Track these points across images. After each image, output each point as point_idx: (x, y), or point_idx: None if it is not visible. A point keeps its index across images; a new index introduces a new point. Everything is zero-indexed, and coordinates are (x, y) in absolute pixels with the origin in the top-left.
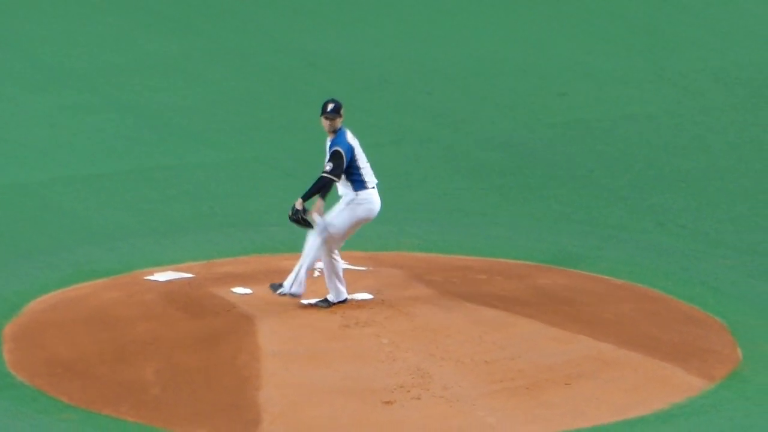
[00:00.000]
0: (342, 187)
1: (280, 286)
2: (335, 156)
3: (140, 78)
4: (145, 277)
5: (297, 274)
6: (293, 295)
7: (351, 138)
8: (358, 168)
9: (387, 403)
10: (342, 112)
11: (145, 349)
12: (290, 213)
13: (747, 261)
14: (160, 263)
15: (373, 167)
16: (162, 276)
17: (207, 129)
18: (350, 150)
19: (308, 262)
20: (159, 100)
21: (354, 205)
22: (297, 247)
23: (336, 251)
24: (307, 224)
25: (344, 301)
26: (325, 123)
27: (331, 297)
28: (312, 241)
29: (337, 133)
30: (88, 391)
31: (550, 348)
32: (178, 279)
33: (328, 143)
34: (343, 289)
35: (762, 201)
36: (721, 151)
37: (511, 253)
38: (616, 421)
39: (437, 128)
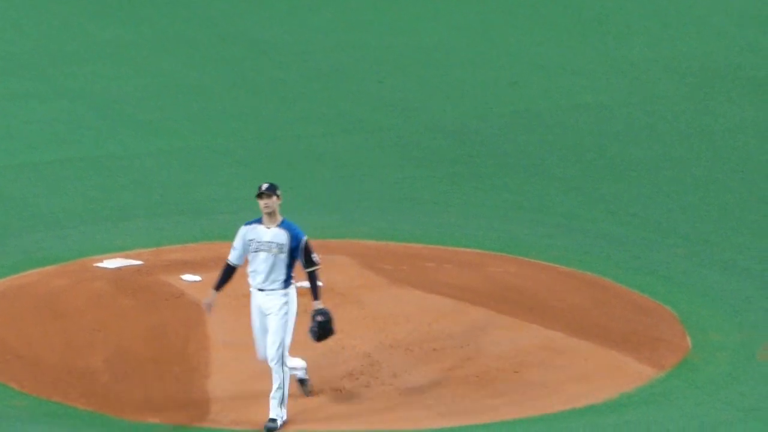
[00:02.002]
0: (270, 283)
1: (274, 421)
2: (311, 245)
3: (91, 66)
4: (95, 264)
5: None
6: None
7: None
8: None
9: (336, 390)
10: (280, 193)
11: (94, 337)
12: (326, 327)
13: (698, 250)
14: (110, 250)
15: (320, 156)
16: (111, 263)
17: (157, 117)
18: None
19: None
20: (110, 88)
21: (291, 304)
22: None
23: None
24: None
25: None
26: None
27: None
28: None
29: (284, 221)
30: (38, 379)
31: (500, 336)
32: (128, 266)
33: (276, 230)
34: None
35: (713, 191)
36: (671, 140)
37: (462, 241)
38: (566, 410)
39: (388, 117)
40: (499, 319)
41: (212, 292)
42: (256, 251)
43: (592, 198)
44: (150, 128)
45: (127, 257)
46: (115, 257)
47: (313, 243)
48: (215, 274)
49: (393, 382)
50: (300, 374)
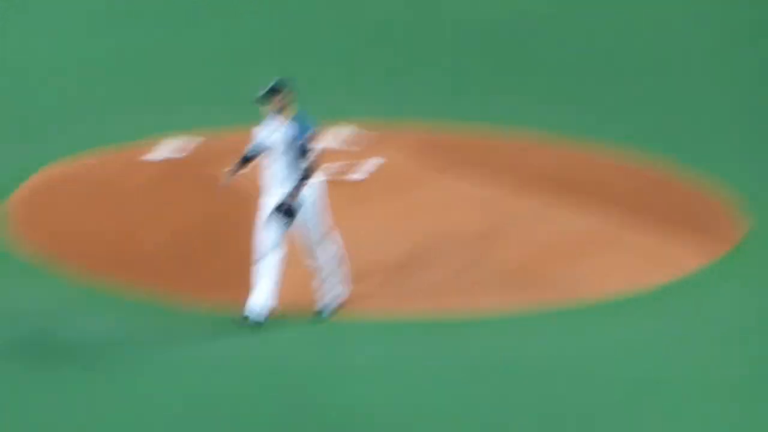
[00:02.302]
0: (288, 180)
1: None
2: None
3: None
4: (148, 151)
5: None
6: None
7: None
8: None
9: (383, 279)
10: (287, 89)
11: (149, 222)
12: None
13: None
14: (163, 136)
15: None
16: (165, 149)
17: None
18: None
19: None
20: None
21: (313, 193)
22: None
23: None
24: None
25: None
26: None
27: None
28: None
29: (296, 115)
30: (94, 264)
31: (548, 224)
32: (182, 152)
33: (286, 125)
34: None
35: None
36: None
37: (512, 130)
38: (616, 299)
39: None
40: (547, 208)
41: (228, 172)
42: (269, 148)
43: (646, 88)
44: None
45: (180, 141)
46: (169, 143)
47: (366, 130)
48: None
49: (440, 270)
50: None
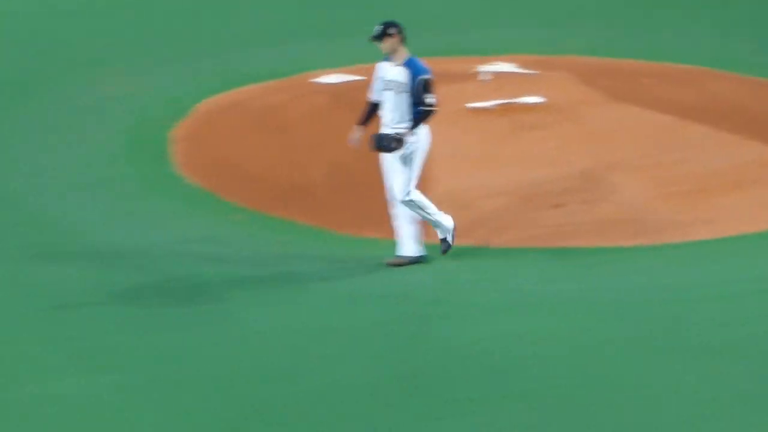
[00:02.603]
0: (397, 122)
1: (444, 241)
2: (428, 86)
3: None
4: (313, 80)
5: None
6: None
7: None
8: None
9: (556, 206)
10: (394, 32)
11: (312, 152)
12: (394, 145)
13: None
14: (328, 66)
15: None
16: (330, 78)
17: None
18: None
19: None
20: None
21: (418, 143)
22: (467, 51)
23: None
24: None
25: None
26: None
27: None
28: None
29: (409, 59)
30: (256, 193)
31: (719, 152)
32: (347, 82)
33: (399, 69)
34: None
35: None
36: None
37: (679, 58)
38: None
39: None
40: (717, 136)
41: (356, 127)
42: (384, 89)
43: None
44: None
45: (346, 72)
46: (334, 72)
47: (531, 58)
48: (436, 90)
49: (612, 197)
50: (441, 234)
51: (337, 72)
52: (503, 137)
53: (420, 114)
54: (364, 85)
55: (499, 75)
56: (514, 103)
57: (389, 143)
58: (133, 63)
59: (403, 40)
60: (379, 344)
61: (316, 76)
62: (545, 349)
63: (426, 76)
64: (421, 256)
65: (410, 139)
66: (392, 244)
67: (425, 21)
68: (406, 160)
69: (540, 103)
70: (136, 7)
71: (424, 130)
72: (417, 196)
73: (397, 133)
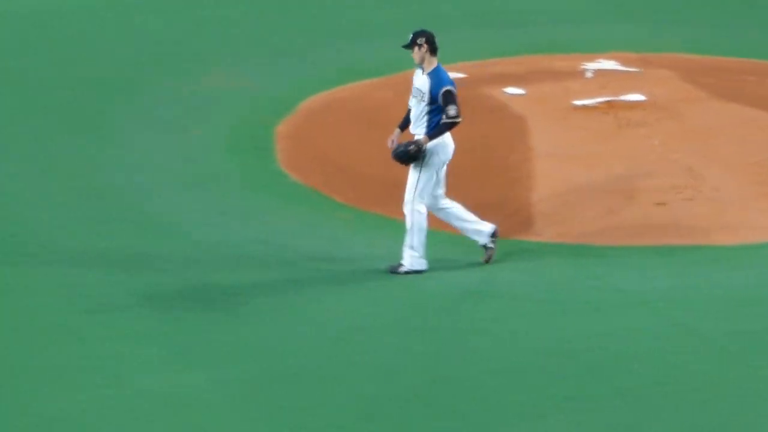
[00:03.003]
0: (416, 128)
1: (399, 265)
2: (450, 97)
3: None
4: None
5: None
6: (418, 272)
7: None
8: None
9: (659, 204)
10: (423, 41)
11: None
12: (412, 149)
13: None
14: None
15: None
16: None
17: None
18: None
19: (418, 237)
20: None
21: (431, 152)
22: (569, 48)
23: (442, 201)
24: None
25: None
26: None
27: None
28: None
29: (434, 69)
30: (359, 190)
31: None
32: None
33: (424, 78)
34: (483, 228)
35: None
36: None
37: None
38: None
39: None
40: None
41: (396, 130)
42: (412, 96)
43: None
44: None
45: (449, 69)
46: None
47: (633, 56)
48: (539, 87)
49: (715, 195)
50: (482, 240)
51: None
52: (607, 135)
53: (440, 125)
54: (467, 82)
55: (602, 72)
56: (618, 100)
57: (403, 152)
58: (238, 60)
59: (432, 50)
60: (480, 341)
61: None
62: (645, 346)
63: (448, 87)
64: (422, 270)
65: (426, 148)
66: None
67: (529, 18)
68: (417, 168)
69: (643, 100)
70: (242, 4)
71: (444, 141)
72: (422, 208)
73: (412, 142)
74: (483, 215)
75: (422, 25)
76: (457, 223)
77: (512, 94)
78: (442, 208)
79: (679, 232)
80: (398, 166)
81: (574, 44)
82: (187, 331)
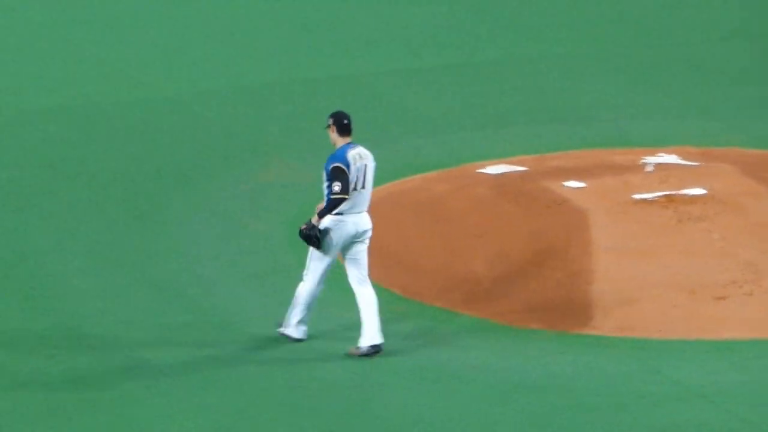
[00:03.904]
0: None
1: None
2: (336, 173)
3: None
4: (477, 170)
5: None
6: (295, 340)
7: (352, 156)
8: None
9: (719, 299)
10: (330, 122)
11: (476, 242)
12: (303, 229)
13: None
14: (490, 156)
15: (704, 64)
16: (494, 169)
17: (536, 23)
18: (348, 167)
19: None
20: None
21: (326, 232)
22: (628, 143)
23: (359, 284)
24: (319, 243)
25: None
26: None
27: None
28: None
29: (338, 148)
30: (419, 283)
31: None
32: (510, 172)
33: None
34: (371, 334)
35: None
36: None
37: None
38: None
39: None
40: None
41: None
42: None
43: None
44: (528, 34)
45: (509, 163)
46: (496, 163)
47: (694, 150)
48: (599, 180)
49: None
50: (364, 341)
51: (499, 162)
52: (667, 228)
53: (327, 202)
54: (527, 176)
55: (662, 166)
56: (678, 194)
57: (299, 233)
58: (299, 151)
59: (339, 130)
60: None
61: (479, 167)
62: None
63: (337, 164)
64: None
65: (323, 227)
66: (551, 336)
67: (590, 113)
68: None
69: (703, 194)
70: (302, 98)
71: (341, 220)
72: (305, 285)
73: (306, 222)
74: (542, 309)
75: (484, 121)
76: (360, 310)
77: (572, 188)
78: (355, 291)
79: (738, 326)
80: (458, 260)
81: (636, 138)
82: (246, 427)
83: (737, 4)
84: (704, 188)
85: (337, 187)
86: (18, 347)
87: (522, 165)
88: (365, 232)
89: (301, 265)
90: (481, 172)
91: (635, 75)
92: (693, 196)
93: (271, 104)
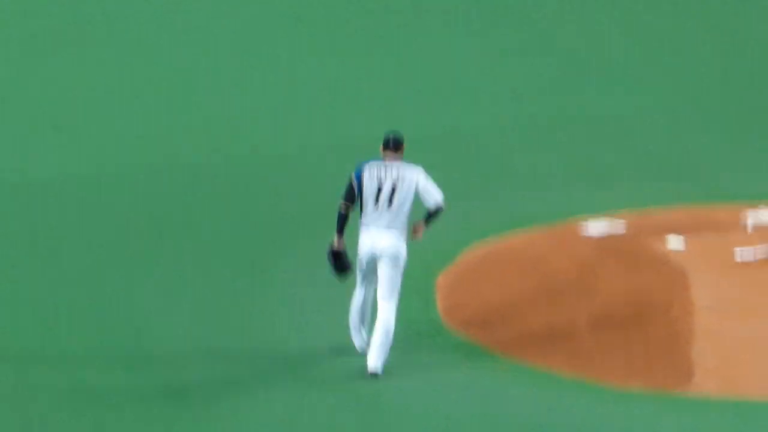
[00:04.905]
0: None
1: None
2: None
3: (577, 22)
4: (579, 226)
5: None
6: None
7: (370, 169)
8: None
9: None
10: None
11: (579, 299)
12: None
13: None
14: (594, 211)
15: None
16: (596, 226)
17: (638, 75)
18: (358, 177)
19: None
20: (594, 46)
21: None
22: (731, 198)
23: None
24: (343, 267)
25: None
26: None
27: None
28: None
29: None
30: (521, 341)
31: None
32: (613, 229)
33: None
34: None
35: None
36: None
37: None
38: None
39: None
40: None
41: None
42: None
43: None
44: (632, 88)
45: (611, 219)
46: (599, 219)
47: None
48: (701, 239)
49: None
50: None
51: (603, 218)
52: (756, 293)
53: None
54: (629, 233)
55: (764, 223)
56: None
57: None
58: None
59: (381, 147)
60: None
61: (582, 223)
62: None
63: (349, 175)
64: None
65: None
66: (652, 397)
67: (693, 166)
68: None
69: None
70: (407, 151)
71: (360, 237)
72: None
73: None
74: (644, 368)
75: (586, 174)
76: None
77: (674, 246)
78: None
79: None
80: (560, 318)
81: (738, 192)
82: None
83: None
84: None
85: (339, 200)
86: (122, 409)
87: (624, 221)
88: (383, 252)
89: (404, 322)
90: (583, 229)
91: (739, 130)
92: None
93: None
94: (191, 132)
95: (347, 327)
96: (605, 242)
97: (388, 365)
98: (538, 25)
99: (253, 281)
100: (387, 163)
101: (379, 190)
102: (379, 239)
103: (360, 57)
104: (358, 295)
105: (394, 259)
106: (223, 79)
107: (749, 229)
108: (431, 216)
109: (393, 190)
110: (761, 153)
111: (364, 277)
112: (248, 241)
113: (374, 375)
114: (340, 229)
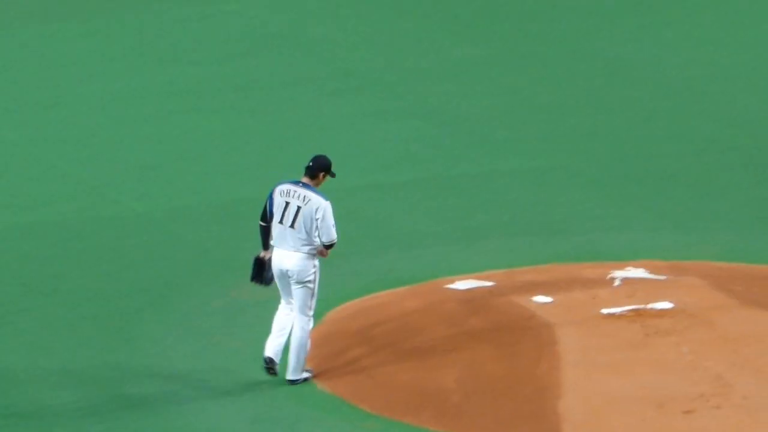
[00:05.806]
0: None
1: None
2: None
3: (443, 85)
4: (446, 286)
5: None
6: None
7: (282, 186)
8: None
9: (687, 412)
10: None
11: (446, 357)
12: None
13: None
14: (462, 271)
15: (672, 176)
16: (462, 284)
17: (509, 137)
18: (270, 195)
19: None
20: (461, 107)
21: None
22: (600, 256)
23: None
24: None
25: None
26: None
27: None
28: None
29: None
30: (389, 399)
31: None
32: (479, 287)
33: None
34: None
35: None
36: None
37: None
38: None
39: (739, 136)
40: None
41: None
42: None
43: None
44: (502, 148)
45: (478, 278)
46: (467, 278)
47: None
48: (568, 295)
49: (744, 403)
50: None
51: (469, 278)
52: (635, 343)
53: None
54: (495, 291)
55: (630, 280)
56: (646, 309)
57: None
58: None
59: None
60: None
61: (450, 282)
62: None
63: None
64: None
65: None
66: None
67: (562, 225)
68: None
69: (671, 308)
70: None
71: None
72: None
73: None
74: (513, 424)
75: (455, 233)
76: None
77: (540, 302)
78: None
79: None
80: (428, 375)
81: (607, 252)
82: None
83: (709, 117)
84: (672, 302)
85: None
86: None
87: (491, 280)
88: (288, 271)
89: (274, 380)
90: (450, 288)
91: (609, 188)
92: (661, 310)
93: (244, 220)
94: (58, 194)
95: (219, 397)
96: (472, 300)
97: (250, 418)
98: (405, 87)
99: (121, 340)
100: (301, 184)
101: (285, 207)
102: (287, 259)
103: (225, 119)
104: (280, 305)
105: (300, 278)
106: (89, 141)
107: (616, 284)
108: (326, 246)
109: (297, 211)
110: (633, 212)
111: (282, 290)
112: (115, 301)
113: (291, 382)
114: (264, 241)
